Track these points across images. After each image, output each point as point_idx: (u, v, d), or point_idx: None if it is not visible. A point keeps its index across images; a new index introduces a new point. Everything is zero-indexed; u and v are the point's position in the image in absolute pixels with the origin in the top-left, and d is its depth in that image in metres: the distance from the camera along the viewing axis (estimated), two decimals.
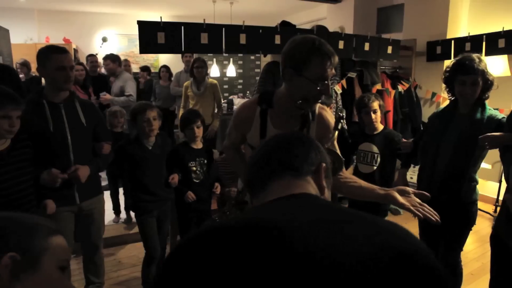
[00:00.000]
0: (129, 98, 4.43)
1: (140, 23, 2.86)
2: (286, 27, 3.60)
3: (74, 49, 7.23)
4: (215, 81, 4.45)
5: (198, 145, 2.60)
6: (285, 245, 0.51)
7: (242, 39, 3.23)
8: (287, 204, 0.67)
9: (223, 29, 3.15)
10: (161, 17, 2.91)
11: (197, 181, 2.48)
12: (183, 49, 3.04)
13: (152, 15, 7.99)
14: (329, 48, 1.42)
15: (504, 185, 3.84)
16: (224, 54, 8.20)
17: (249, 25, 3.26)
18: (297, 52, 1.42)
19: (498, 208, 3.87)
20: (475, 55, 2.07)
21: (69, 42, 7.30)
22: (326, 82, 1.42)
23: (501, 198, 3.88)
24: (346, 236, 0.53)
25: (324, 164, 0.81)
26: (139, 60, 8.09)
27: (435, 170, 2.17)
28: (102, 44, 7.70)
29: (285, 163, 0.78)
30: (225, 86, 8.63)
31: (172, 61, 7.47)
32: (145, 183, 2.35)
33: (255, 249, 0.51)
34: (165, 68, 5.65)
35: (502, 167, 3.89)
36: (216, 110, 4.44)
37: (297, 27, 3.91)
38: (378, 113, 2.51)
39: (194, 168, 2.48)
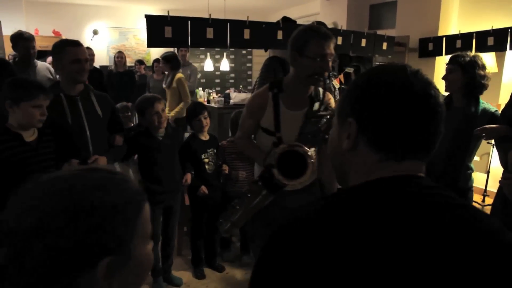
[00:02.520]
0: None
1: (148, 17, 2.90)
2: (287, 23, 3.68)
3: None
4: (180, 75, 4.53)
5: (206, 136, 2.69)
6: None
7: (246, 34, 3.30)
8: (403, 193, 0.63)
9: (228, 24, 3.21)
10: (168, 12, 2.95)
11: (210, 171, 2.57)
12: (189, 44, 3.08)
13: (144, 9, 7.94)
14: (325, 31, 1.67)
15: (491, 176, 4.05)
16: (216, 49, 8.13)
17: (253, 21, 3.34)
18: (298, 36, 1.68)
19: (486, 198, 4.09)
20: (470, 53, 2.27)
21: (59, 34, 7.19)
22: (325, 59, 1.64)
23: (488, 188, 4.09)
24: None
25: None
26: (130, 54, 8.03)
27: (433, 161, 2.32)
28: (93, 37, 7.61)
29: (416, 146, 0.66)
30: (217, 80, 8.67)
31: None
32: (156, 174, 2.38)
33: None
34: (158, 62, 5.67)
35: (489, 159, 4.10)
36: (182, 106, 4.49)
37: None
38: None
39: (207, 160, 2.57)
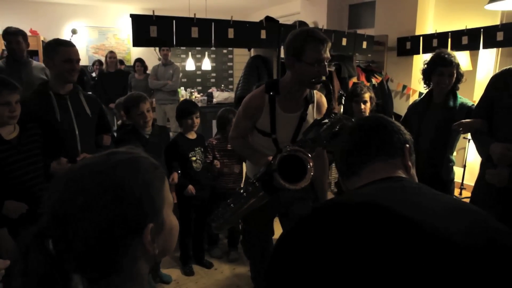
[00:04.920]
0: None
1: (133, 17, 2.90)
2: (270, 22, 3.74)
3: (42, 41, 6.99)
4: None
5: (193, 135, 2.71)
6: (402, 220, 0.62)
7: (230, 33, 3.34)
8: (386, 186, 0.76)
9: (213, 23, 3.24)
10: (153, 11, 2.96)
11: (198, 170, 2.60)
12: (174, 43, 3.10)
13: (123, 8, 7.86)
14: (321, 35, 1.66)
15: (467, 170, 4.22)
16: (197, 48, 8.13)
17: (237, 20, 3.37)
18: (295, 41, 1.66)
19: (464, 191, 4.26)
20: (450, 51, 2.35)
21: (37, 34, 7.04)
22: (322, 64, 1.65)
23: (465, 182, 4.27)
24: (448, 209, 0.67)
25: (407, 145, 0.88)
26: None
27: (417, 154, 2.43)
28: (71, 36, 7.46)
29: (377, 150, 0.85)
30: (199, 80, 8.66)
31: (145, 54, 7.39)
32: None
33: (376, 223, 0.63)
34: (140, 62, 5.68)
35: (465, 154, 4.27)
36: None
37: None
38: (368, 104, 2.72)
39: (194, 158, 2.60)
